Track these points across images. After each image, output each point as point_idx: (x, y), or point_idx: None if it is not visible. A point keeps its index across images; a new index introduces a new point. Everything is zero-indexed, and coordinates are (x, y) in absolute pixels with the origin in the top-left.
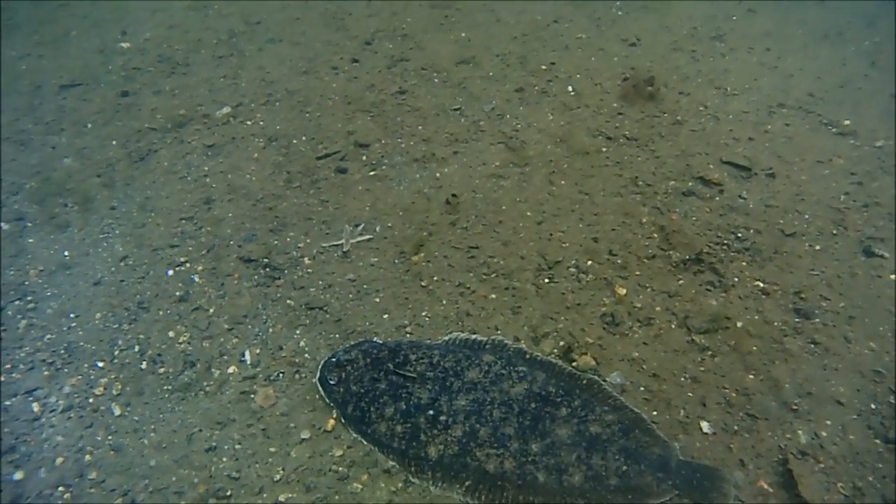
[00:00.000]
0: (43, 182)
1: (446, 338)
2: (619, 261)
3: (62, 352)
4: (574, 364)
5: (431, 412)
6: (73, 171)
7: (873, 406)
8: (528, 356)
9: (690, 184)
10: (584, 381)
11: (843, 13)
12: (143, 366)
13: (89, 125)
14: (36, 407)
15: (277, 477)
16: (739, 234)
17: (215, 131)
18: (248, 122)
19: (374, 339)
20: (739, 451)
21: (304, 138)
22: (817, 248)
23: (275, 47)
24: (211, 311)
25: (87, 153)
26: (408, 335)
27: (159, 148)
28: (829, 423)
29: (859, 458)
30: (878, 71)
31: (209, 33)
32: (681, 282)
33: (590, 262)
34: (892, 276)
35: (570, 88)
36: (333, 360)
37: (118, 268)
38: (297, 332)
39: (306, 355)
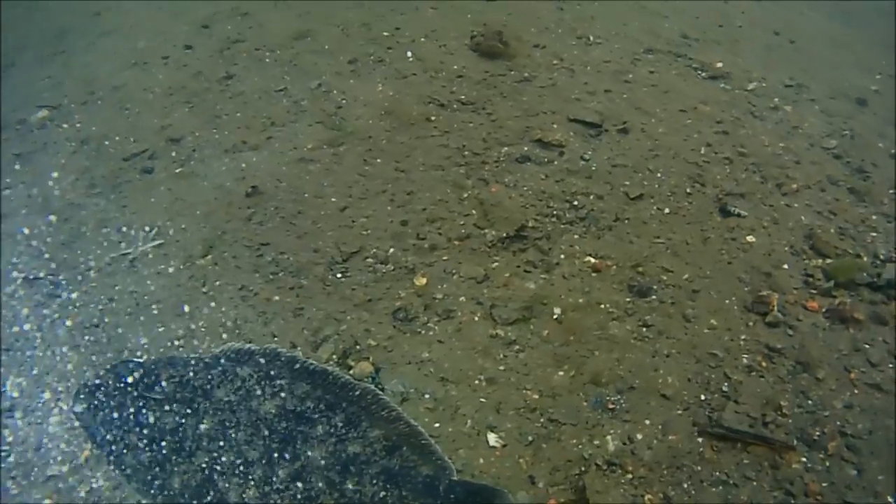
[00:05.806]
0: None
1: (218, 350)
2: (426, 245)
3: None
4: (351, 371)
5: (175, 438)
6: None
7: (703, 397)
8: (298, 366)
9: (526, 148)
10: (357, 392)
11: None
12: None
13: None
14: None
15: None
16: (575, 202)
17: (28, 138)
18: (65, 126)
19: (136, 357)
20: (531, 466)
21: (116, 138)
22: (666, 210)
23: (106, 41)
24: None
25: None
26: (179, 349)
27: None
28: (647, 422)
29: (676, 461)
30: (760, 7)
31: (36, 32)
32: (495, 264)
33: (392, 250)
34: (750, 238)
35: (409, 54)
36: (85, 386)
37: None
38: (69, 354)
39: (71, 381)
